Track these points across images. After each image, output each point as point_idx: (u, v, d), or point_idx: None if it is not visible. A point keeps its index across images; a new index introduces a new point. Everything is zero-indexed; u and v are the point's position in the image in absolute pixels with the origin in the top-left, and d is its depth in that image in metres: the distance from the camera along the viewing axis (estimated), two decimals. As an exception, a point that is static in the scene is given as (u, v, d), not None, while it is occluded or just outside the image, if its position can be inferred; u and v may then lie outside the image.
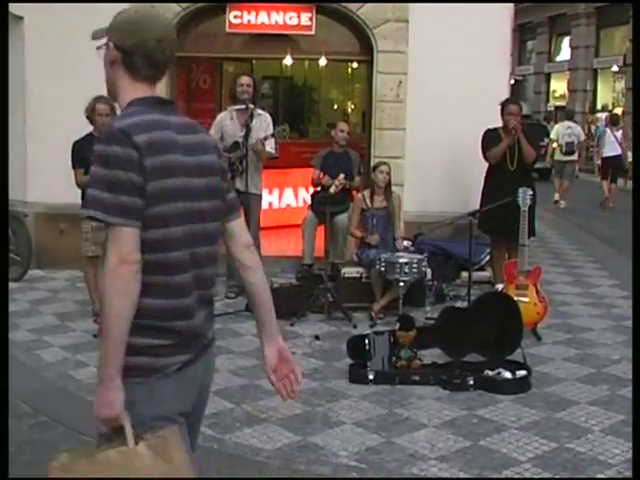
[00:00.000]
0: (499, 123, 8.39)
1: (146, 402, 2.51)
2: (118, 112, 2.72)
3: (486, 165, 8.44)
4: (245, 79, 8.28)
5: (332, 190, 8.01)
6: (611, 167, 17.45)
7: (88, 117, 7.30)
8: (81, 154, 7.22)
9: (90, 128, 7.31)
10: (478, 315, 6.41)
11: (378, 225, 8.09)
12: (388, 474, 4.60)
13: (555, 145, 17.37)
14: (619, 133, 17.57)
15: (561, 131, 17.31)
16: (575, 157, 17.46)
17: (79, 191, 7.43)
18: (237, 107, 8.26)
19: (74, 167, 7.33)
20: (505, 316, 6.35)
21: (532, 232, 8.05)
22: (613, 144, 17.44)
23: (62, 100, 9.30)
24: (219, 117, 8.57)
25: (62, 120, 9.28)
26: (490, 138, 8.30)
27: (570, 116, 18.99)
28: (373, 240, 7.98)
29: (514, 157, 8.13)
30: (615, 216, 15.96)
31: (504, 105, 8.33)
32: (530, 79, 34.80)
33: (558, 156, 17.22)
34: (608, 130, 17.93)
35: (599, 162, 18.53)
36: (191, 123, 2.69)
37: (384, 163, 8.26)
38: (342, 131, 9.14)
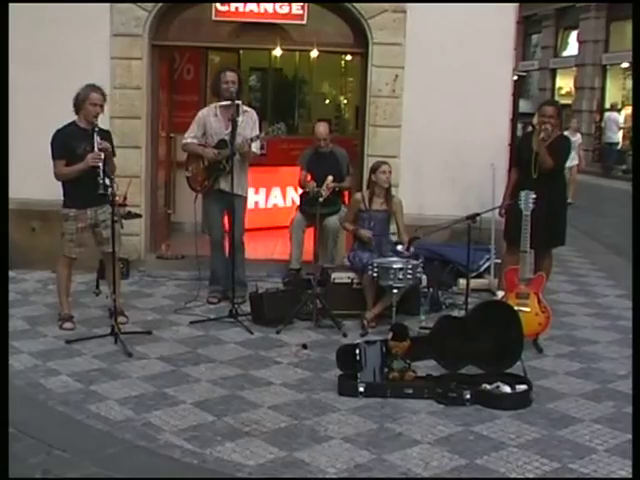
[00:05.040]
0: (501, 121, 8.42)
1: None
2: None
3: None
4: (230, 75, 8.23)
5: (323, 196, 8.00)
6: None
7: (76, 105, 7.33)
8: (66, 145, 7.28)
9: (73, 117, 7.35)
10: (476, 325, 6.42)
11: (375, 228, 8.09)
12: (378, 493, 4.61)
13: None
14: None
15: None
16: None
17: (54, 187, 7.45)
18: (222, 103, 8.23)
19: (54, 158, 7.33)
20: (505, 326, 6.37)
21: (561, 241, 8.16)
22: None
23: (36, 88, 9.30)
24: (201, 113, 8.53)
25: (37, 112, 9.28)
26: (522, 145, 8.28)
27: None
28: (365, 235, 7.97)
29: (537, 164, 8.07)
30: (621, 222, 16.00)
31: (539, 106, 8.40)
32: (534, 75, 34.83)
33: None
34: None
35: None
36: None
37: (384, 162, 8.21)
38: (319, 140, 9.06)
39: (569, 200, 17.58)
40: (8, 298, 6.95)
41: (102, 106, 7.36)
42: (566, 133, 19.21)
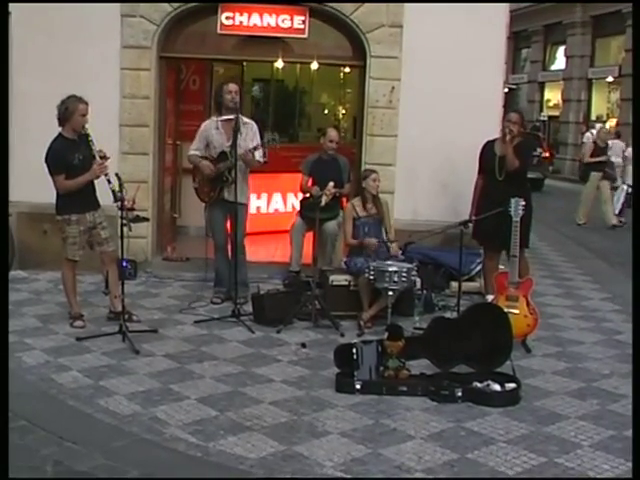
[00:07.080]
0: (492, 131, 8.42)
1: None
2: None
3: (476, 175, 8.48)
4: (233, 86, 8.25)
5: (323, 202, 8.03)
6: None
7: (64, 118, 7.26)
8: (62, 159, 7.23)
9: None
10: (467, 326, 6.42)
11: (370, 232, 8.11)
12: (374, 486, 4.60)
13: None
14: None
15: None
16: None
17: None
18: (224, 117, 8.22)
19: (54, 174, 7.28)
20: (495, 327, 6.37)
21: (526, 243, 8.08)
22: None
23: (48, 97, 9.25)
24: (203, 126, 8.51)
25: (48, 118, 9.24)
26: (485, 151, 8.30)
27: None
28: (371, 243, 7.99)
29: (503, 167, 8.10)
30: (605, 228, 16.03)
31: (506, 113, 8.48)
32: (524, 88, 34.89)
33: None
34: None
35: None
36: None
37: (373, 171, 8.33)
38: (331, 141, 9.08)
39: (623, 220, 17.36)
40: (8, 298, 6.93)
41: (87, 115, 7.27)
42: (615, 141, 18.84)
